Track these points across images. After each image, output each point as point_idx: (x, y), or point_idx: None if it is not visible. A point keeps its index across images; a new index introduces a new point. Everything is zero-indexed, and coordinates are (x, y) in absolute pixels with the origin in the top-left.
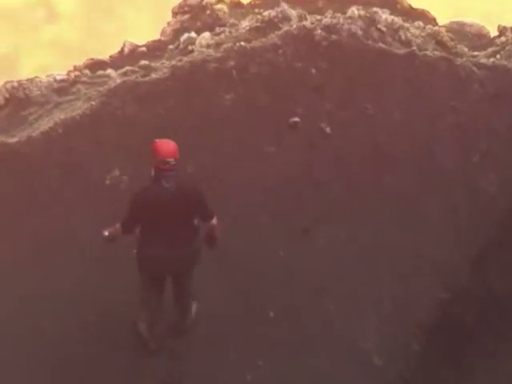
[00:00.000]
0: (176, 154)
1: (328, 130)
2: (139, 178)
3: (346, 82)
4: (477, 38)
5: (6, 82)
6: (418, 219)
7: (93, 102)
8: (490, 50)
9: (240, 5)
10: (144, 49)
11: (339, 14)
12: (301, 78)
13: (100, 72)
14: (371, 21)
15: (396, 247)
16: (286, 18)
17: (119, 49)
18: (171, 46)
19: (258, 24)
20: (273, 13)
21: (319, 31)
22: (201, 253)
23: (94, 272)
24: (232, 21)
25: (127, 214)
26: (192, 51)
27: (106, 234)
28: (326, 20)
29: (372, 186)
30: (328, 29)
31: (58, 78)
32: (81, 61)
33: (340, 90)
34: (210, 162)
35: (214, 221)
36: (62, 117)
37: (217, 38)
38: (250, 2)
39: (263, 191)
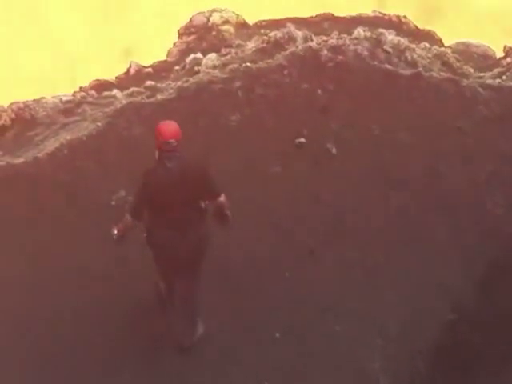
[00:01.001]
0: (177, 135)
1: (334, 150)
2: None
3: (351, 102)
4: (483, 59)
5: (12, 103)
6: (424, 240)
7: (99, 123)
8: (495, 70)
9: (246, 26)
10: (150, 70)
11: (345, 35)
12: (307, 98)
13: (106, 93)
14: (377, 42)
15: (402, 268)
16: (292, 39)
17: (125, 70)
18: (177, 67)
19: (264, 45)
20: (279, 34)
21: (325, 52)
22: (209, 241)
23: (97, 292)
24: (238, 42)
25: (134, 197)
26: (198, 72)
27: (116, 231)
28: (332, 41)
29: (378, 206)
30: (334, 50)
31: (64, 98)
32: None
33: (346, 110)
34: (216, 182)
35: (222, 198)
36: (68, 138)
37: (223, 58)
38: (256, 23)
39: (269, 212)
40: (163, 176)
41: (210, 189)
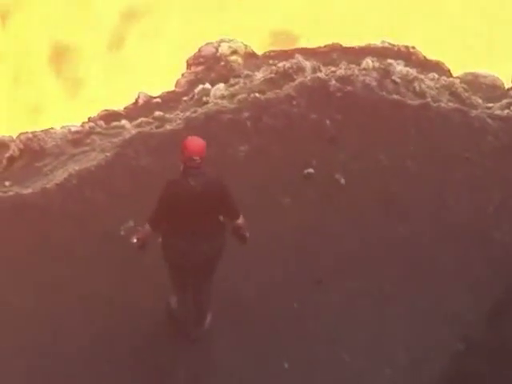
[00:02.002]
0: (202, 153)
1: (342, 181)
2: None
3: (360, 133)
4: (491, 90)
5: (21, 134)
6: (432, 271)
7: (107, 154)
8: (504, 101)
9: (254, 56)
10: (158, 100)
11: (354, 66)
12: (315, 129)
13: (115, 123)
14: (386, 72)
15: (409, 298)
16: (301, 70)
17: (134, 100)
18: (186, 98)
19: (273, 75)
20: (287, 64)
21: (333, 82)
22: (224, 250)
23: (106, 320)
24: (246, 72)
25: (155, 207)
26: (206, 102)
27: (135, 240)
28: (341, 71)
29: (386, 237)
30: (342, 80)
31: (73, 129)
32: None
33: (354, 141)
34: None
35: (240, 220)
36: (77, 168)
37: (231, 89)
38: (265, 54)
39: (277, 242)
40: (184, 190)
41: (229, 208)
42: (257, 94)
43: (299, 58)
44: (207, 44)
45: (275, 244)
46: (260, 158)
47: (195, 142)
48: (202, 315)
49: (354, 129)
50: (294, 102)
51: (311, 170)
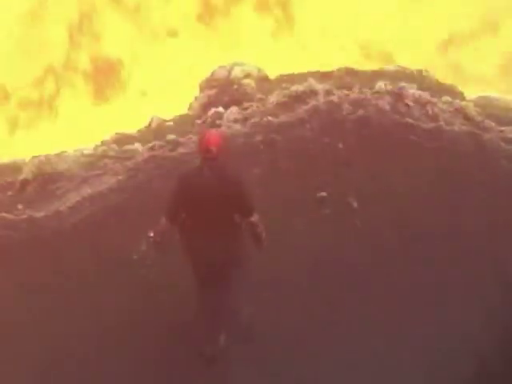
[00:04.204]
0: (218, 144)
1: (355, 204)
2: (166, 252)
3: (373, 156)
4: (504, 113)
5: (34, 157)
6: (446, 295)
7: (120, 177)
8: None
9: (267, 80)
10: (171, 123)
11: (367, 89)
12: (328, 152)
13: (127, 146)
14: (398, 96)
15: (423, 322)
16: (314, 93)
17: (147, 123)
18: (198, 121)
19: (286, 99)
20: (300, 88)
21: (346, 106)
22: (243, 258)
23: (119, 349)
24: (259, 96)
25: (170, 199)
26: (219, 126)
27: (152, 234)
28: (354, 95)
29: (398, 261)
30: (355, 104)
31: (86, 152)
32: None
33: (367, 164)
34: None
35: (254, 218)
36: (90, 191)
37: (244, 112)
38: (278, 77)
39: (290, 267)
40: (198, 182)
41: (242, 205)
42: (270, 118)
43: (312, 81)
44: (220, 67)
45: (287, 268)
46: (273, 182)
47: (212, 134)
48: (215, 333)
49: (366, 152)
50: (307, 126)
51: (324, 194)
